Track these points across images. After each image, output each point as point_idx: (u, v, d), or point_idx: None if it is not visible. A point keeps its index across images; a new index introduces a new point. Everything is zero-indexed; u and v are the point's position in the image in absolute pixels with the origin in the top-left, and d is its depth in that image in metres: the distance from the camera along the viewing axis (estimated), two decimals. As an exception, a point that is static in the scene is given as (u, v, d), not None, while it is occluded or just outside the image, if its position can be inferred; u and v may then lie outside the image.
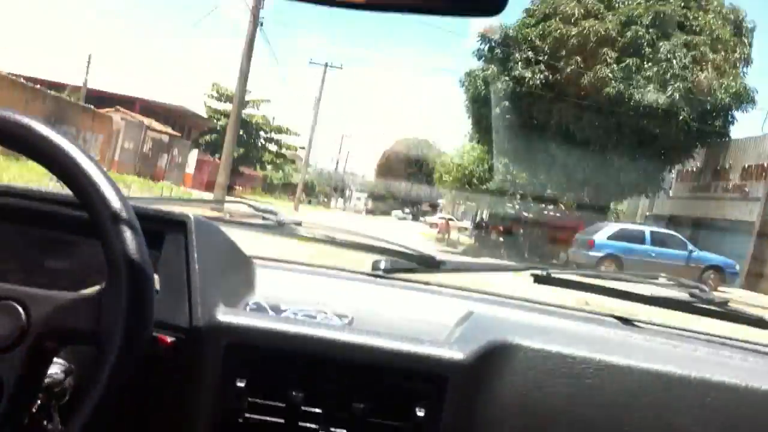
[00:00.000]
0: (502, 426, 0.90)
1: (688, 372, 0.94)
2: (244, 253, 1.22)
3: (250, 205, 1.66)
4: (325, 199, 65.98)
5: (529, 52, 20.69)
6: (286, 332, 0.92)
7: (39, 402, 0.80)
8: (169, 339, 0.88)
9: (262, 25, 20.43)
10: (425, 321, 1.21)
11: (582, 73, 19.77)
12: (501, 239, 25.31)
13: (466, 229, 37.04)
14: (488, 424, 0.90)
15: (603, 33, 19.45)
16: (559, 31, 20.06)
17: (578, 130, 20.02)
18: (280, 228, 1.57)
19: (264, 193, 47.52)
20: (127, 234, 0.74)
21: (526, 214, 25.22)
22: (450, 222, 35.54)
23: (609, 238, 18.52)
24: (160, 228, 0.96)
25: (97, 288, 0.77)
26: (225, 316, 0.93)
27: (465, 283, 1.58)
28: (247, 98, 30.19)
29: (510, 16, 21.50)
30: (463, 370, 0.92)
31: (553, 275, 1.52)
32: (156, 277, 0.91)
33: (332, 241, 1.70)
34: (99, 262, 0.87)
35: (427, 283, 1.52)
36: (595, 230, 19.31)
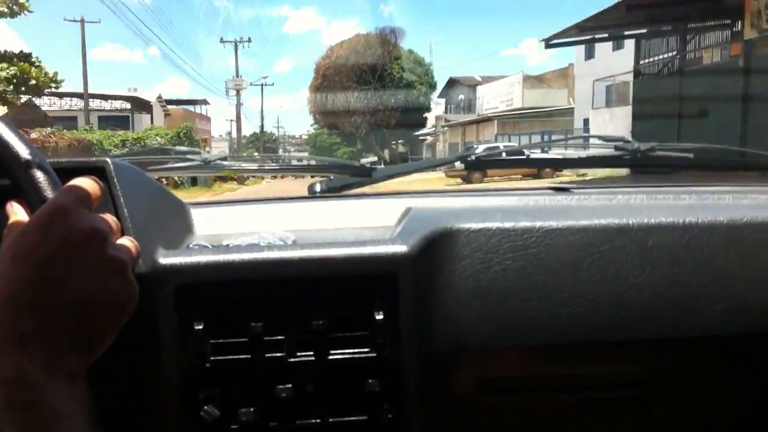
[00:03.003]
0: (460, 311, 0.92)
1: (626, 220, 0.97)
2: (176, 197, 1.19)
3: (169, 150, 1.62)
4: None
5: None
6: (232, 261, 0.91)
7: None
8: None
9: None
10: (367, 228, 1.22)
11: None
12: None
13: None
14: (447, 313, 0.92)
15: None
16: None
17: None
18: (206, 166, 1.54)
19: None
20: (40, 176, 0.70)
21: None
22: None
23: None
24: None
25: None
26: (167, 258, 0.91)
27: (403, 187, 1.59)
28: None
29: None
30: (410, 263, 0.93)
31: (481, 158, 1.55)
32: None
33: (261, 170, 1.68)
34: None
35: (363, 194, 1.53)
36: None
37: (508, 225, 0.96)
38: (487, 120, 34.04)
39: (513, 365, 0.97)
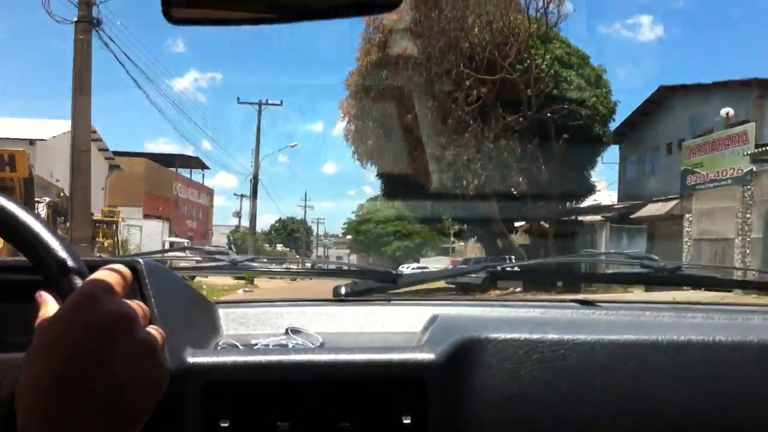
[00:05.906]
0: (486, 419, 0.91)
1: (656, 337, 0.97)
2: (205, 297, 1.21)
3: (199, 250, 1.66)
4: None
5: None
6: (259, 363, 0.92)
7: None
8: None
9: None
10: (394, 333, 1.22)
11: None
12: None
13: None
14: (473, 420, 0.91)
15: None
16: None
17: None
18: (234, 267, 1.57)
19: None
20: (78, 282, 0.71)
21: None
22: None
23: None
24: None
25: None
26: (195, 357, 0.92)
27: (427, 293, 1.60)
28: None
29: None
30: (439, 371, 0.93)
31: (507, 269, 1.56)
32: None
33: (289, 271, 1.70)
34: None
35: (389, 300, 1.54)
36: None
37: (536, 337, 0.96)
38: None
39: None
